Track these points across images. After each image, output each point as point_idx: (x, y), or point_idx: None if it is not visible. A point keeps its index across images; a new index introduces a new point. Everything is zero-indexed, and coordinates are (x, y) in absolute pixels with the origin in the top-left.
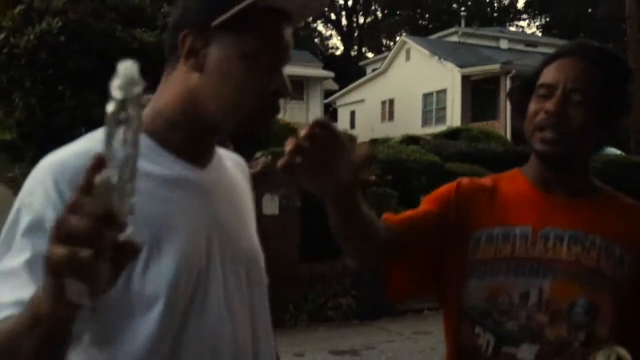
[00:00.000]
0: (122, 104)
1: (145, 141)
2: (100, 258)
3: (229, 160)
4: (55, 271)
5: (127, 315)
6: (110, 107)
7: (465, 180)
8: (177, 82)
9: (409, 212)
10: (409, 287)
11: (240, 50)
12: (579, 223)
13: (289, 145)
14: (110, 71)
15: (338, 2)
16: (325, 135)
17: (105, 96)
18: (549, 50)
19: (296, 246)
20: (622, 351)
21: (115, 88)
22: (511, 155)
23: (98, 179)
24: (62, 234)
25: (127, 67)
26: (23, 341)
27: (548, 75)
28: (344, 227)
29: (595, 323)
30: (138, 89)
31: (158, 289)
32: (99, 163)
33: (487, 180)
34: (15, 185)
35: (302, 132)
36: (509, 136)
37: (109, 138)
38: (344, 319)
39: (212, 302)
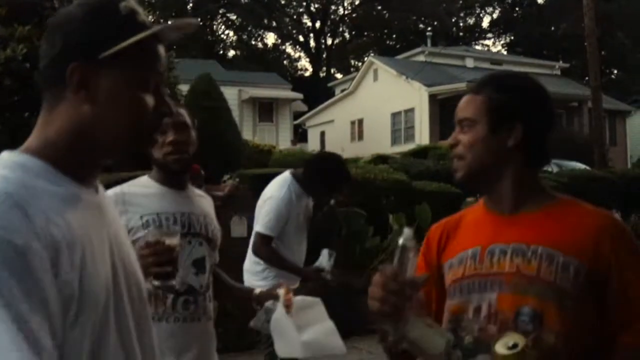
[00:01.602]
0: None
1: (43, 166)
2: None
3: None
4: None
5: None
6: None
7: (432, 229)
8: (66, 113)
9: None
10: None
11: (128, 79)
12: (521, 236)
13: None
14: None
15: (306, 24)
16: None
17: None
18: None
19: None
20: (517, 336)
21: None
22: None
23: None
24: None
25: (408, 233)
26: None
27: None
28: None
29: (542, 330)
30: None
31: (90, 297)
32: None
33: (457, 215)
34: None
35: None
36: None
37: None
38: None
39: (122, 311)
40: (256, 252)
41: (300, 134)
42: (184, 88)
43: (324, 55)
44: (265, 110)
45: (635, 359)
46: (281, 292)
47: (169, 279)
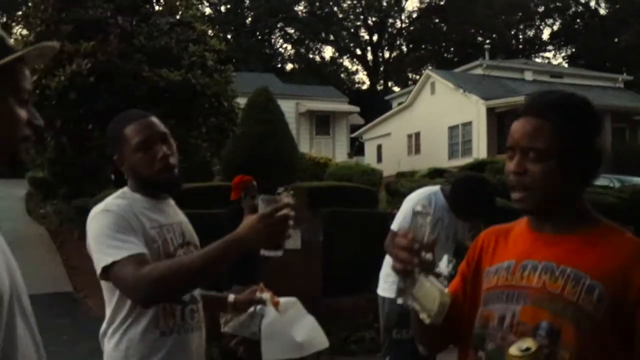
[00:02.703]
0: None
1: None
2: None
3: None
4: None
5: None
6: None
7: (483, 232)
8: None
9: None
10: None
11: (2, 95)
12: (555, 256)
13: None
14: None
15: (363, 37)
16: None
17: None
18: (575, 81)
19: (319, 280)
20: (531, 342)
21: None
22: None
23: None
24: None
25: (423, 202)
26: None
27: (510, 138)
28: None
29: (557, 346)
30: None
31: (4, 284)
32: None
33: (508, 225)
34: (47, 222)
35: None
36: None
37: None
38: (367, 352)
39: (22, 303)
40: (385, 247)
41: (357, 147)
42: (242, 101)
43: (381, 69)
44: (322, 123)
45: None
46: (267, 296)
47: (279, 249)
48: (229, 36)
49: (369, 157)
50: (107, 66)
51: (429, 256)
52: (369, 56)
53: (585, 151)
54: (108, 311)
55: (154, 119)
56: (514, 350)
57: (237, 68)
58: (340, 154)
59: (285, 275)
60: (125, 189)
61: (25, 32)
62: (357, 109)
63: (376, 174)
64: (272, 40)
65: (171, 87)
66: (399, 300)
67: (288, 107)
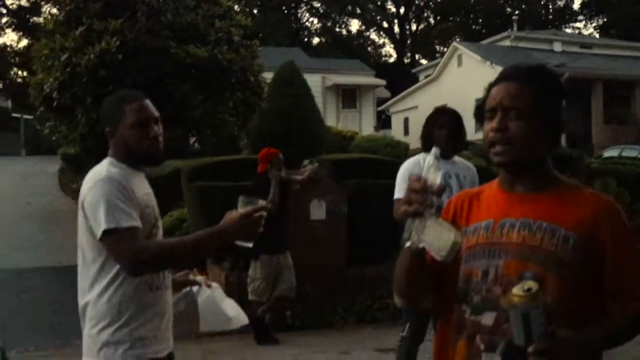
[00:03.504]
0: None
1: None
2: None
3: None
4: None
5: None
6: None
7: (455, 196)
8: None
9: None
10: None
11: None
12: (530, 213)
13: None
14: (165, 86)
15: (390, 10)
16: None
17: (160, 110)
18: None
19: (343, 250)
20: (532, 283)
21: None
22: (556, 157)
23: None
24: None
25: (436, 151)
26: None
27: (490, 101)
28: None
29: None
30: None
31: None
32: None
33: (476, 189)
34: (77, 196)
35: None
36: (563, 138)
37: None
38: (391, 319)
39: None
40: (394, 215)
41: (383, 120)
42: (268, 76)
43: (408, 41)
44: (349, 96)
45: (622, 323)
46: (201, 278)
47: (251, 241)
48: (255, 11)
49: (396, 130)
50: (135, 43)
51: (439, 201)
52: (396, 29)
53: (556, 116)
54: (92, 268)
55: (149, 102)
56: (517, 290)
57: (263, 43)
58: (366, 127)
59: (310, 246)
60: (111, 159)
61: (55, 10)
62: (383, 82)
63: (401, 147)
64: (299, 14)
65: (198, 63)
66: (407, 244)
67: (314, 81)
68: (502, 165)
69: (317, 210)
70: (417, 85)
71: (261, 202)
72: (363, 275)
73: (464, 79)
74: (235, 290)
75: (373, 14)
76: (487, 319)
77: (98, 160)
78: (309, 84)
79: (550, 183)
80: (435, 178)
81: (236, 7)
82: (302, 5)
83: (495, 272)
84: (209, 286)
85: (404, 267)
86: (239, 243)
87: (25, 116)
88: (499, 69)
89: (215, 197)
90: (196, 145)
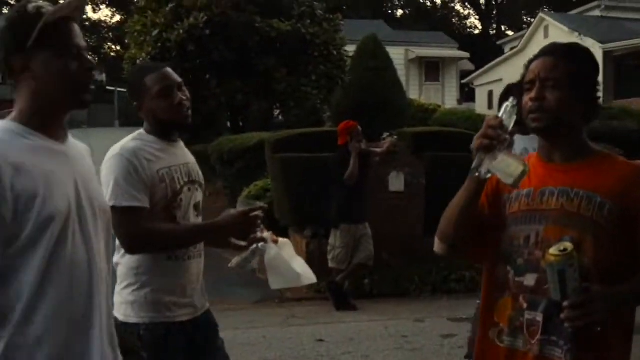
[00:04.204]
0: (513, 109)
1: (22, 129)
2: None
3: (77, 144)
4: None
5: (37, 235)
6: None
7: None
8: (24, 90)
9: None
10: (485, 256)
11: (54, 53)
12: (568, 181)
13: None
14: (250, 60)
15: None
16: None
17: (246, 84)
18: None
19: (421, 221)
20: (567, 244)
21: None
22: None
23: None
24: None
25: (512, 101)
26: None
27: (529, 74)
28: (470, 214)
29: (579, 255)
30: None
31: (51, 215)
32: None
33: None
34: None
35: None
36: None
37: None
38: (467, 291)
39: (76, 232)
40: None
41: (467, 93)
42: (351, 49)
43: (494, 12)
44: (432, 69)
45: None
46: (267, 235)
47: (246, 239)
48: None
49: (480, 104)
50: (221, 19)
51: (510, 139)
52: (482, 0)
53: (590, 89)
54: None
55: (170, 70)
56: (553, 250)
57: (347, 16)
58: (449, 100)
59: (389, 216)
60: (142, 131)
61: None
62: (467, 54)
63: (482, 120)
64: None
65: (282, 37)
66: (475, 174)
67: (397, 54)
68: (538, 130)
69: (396, 182)
70: (502, 57)
71: (259, 204)
72: None
73: None
74: (316, 258)
75: None
76: (530, 280)
77: (189, 132)
78: (392, 57)
79: (586, 153)
80: (510, 121)
81: None
82: None
83: (536, 237)
84: (275, 242)
85: (464, 198)
86: (233, 241)
87: (119, 89)
88: (588, 40)
89: (296, 168)
90: (280, 117)
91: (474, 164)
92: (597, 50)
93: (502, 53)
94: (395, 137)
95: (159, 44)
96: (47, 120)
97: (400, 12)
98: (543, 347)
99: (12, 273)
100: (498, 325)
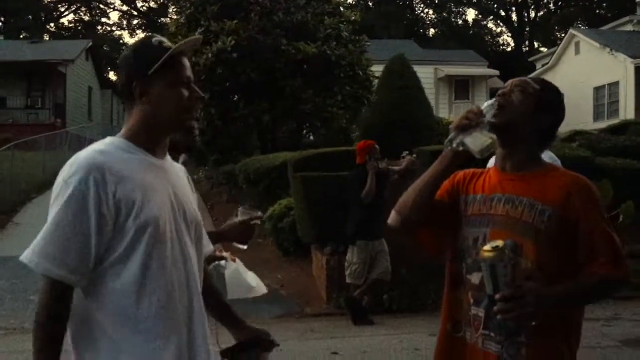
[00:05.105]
0: (493, 105)
1: (128, 145)
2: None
3: (175, 164)
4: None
5: (135, 237)
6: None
7: (461, 171)
8: (138, 112)
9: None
10: (437, 247)
11: (169, 83)
12: (514, 190)
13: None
14: (277, 81)
15: None
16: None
17: (273, 105)
18: None
19: None
20: (499, 242)
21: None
22: None
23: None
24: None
25: (489, 104)
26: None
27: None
28: (435, 187)
29: (521, 257)
30: (493, 111)
31: (148, 220)
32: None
33: (478, 170)
34: (200, 186)
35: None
36: None
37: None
38: None
39: (173, 239)
40: None
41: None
42: (380, 68)
43: (527, 29)
44: (461, 87)
45: (592, 283)
46: (226, 254)
47: (246, 244)
48: (370, 4)
49: None
50: (249, 42)
51: (486, 125)
52: (514, 16)
53: (550, 124)
54: None
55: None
56: (486, 247)
57: (377, 36)
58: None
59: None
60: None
61: (175, 16)
62: (496, 72)
63: None
64: (414, 6)
65: (308, 59)
66: (448, 146)
67: (426, 73)
68: (494, 126)
69: None
70: (533, 74)
71: (257, 213)
72: None
73: (581, 66)
74: (336, 273)
75: (490, 2)
76: (475, 278)
77: (218, 152)
78: (421, 76)
79: (534, 165)
80: (488, 114)
81: (349, 0)
82: None
83: (483, 239)
84: (233, 260)
85: (432, 172)
86: (235, 244)
87: None
88: (619, 55)
89: (316, 187)
90: (311, 137)
91: (448, 138)
92: (628, 65)
93: (534, 70)
94: (414, 155)
95: None
96: (152, 139)
97: (432, 30)
98: (484, 340)
99: (110, 279)
100: (454, 318)
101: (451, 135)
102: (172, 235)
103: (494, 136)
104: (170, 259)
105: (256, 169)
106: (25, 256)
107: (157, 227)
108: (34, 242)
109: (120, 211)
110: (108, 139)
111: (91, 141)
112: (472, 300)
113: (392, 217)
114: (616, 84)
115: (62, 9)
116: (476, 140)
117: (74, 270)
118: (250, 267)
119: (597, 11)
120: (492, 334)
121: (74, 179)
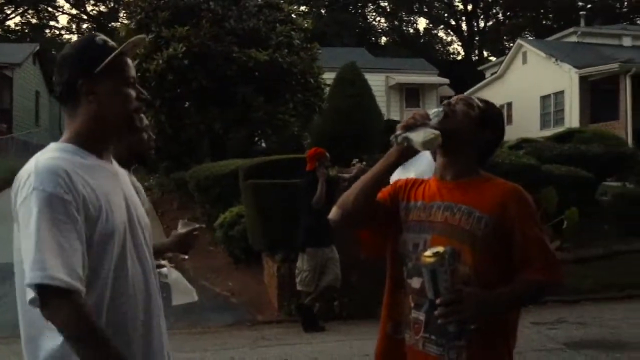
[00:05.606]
0: (441, 112)
1: (77, 150)
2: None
3: (116, 164)
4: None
5: (102, 248)
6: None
7: (403, 179)
8: (83, 113)
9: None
10: (376, 248)
11: (119, 81)
12: (453, 197)
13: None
14: (229, 88)
15: (458, 7)
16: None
17: (224, 112)
18: None
19: None
20: (440, 248)
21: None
22: (612, 156)
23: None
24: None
25: (436, 112)
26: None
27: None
28: (379, 183)
29: (459, 263)
30: (439, 118)
31: (115, 227)
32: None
33: (419, 179)
34: (151, 194)
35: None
36: (629, 137)
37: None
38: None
39: (131, 249)
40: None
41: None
42: (332, 76)
43: (476, 38)
44: (412, 95)
45: (527, 287)
46: (165, 262)
47: (187, 253)
48: (322, 11)
49: None
50: (200, 49)
51: (431, 126)
52: (464, 26)
53: (490, 142)
54: None
55: None
56: (427, 253)
57: (330, 43)
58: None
59: (349, 239)
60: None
61: (126, 21)
62: (446, 80)
63: None
64: (366, 14)
65: (259, 66)
66: (393, 140)
67: (377, 81)
68: (441, 131)
69: None
70: (482, 83)
71: (197, 225)
72: None
73: (529, 76)
74: (287, 280)
75: (441, 11)
76: (415, 282)
77: (168, 159)
78: (373, 84)
79: (472, 174)
80: (435, 119)
81: (302, 8)
82: (370, 4)
83: (424, 244)
84: (173, 267)
85: (377, 168)
86: (180, 255)
87: None
88: (564, 65)
89: (267, 194)
90: (263, 144)
91: (394, 134)
92: (573, 75)
93: (484, 78)
94: (364, 163)
95: (139, 74)
96: (100, 142)
97: (384, 39)
98: (424, 343)
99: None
100: (394, 319)
101: (397, 132)
102: (131, 249)
103: (437, 132)
104: (131, 275)
105: (207, 176)
106: (35, 277)
107: (119, 240)
108: (32, 260)
109: (90, 217)
110: (53, 145)
111: (40, 147)
112: (412, 304)
113: (333, 212)
114: (562, 93)
115: (9, 11)
116: (420, 135)
117: (80, 277)
118: (201, 275)
119: (544, 22)
120: (432, 337)
121: (45, 186)
